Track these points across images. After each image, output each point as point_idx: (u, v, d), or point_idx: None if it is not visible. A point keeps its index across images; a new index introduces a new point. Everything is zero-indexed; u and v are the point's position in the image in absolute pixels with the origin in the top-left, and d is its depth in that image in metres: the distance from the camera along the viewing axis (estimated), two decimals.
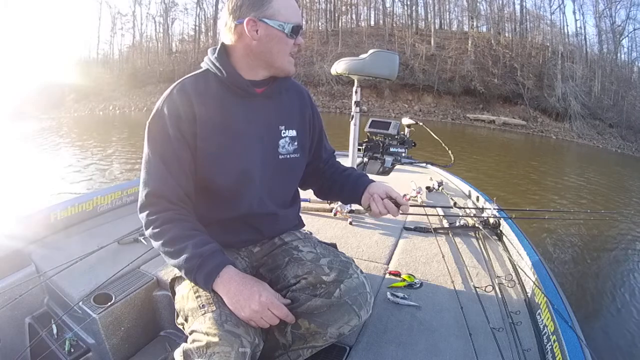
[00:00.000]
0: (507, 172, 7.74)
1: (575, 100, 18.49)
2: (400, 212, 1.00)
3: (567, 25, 23.34)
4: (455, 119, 19.69)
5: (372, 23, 25.75)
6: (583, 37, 22.03)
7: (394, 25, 24.77)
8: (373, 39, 23.28)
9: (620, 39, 21.05)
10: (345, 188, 1.08)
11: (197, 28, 25.50)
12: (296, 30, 0.90)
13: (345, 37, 23.61)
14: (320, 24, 25.79)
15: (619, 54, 21.42)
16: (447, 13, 24.74)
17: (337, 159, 1.20)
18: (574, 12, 22.53)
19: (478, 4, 23.21)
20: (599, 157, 13.43)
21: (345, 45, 21.57)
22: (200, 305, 0.81)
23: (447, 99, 20.66)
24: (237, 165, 0.92)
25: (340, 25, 25.20)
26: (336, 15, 25.79)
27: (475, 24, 22.94)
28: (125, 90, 20.22)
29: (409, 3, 24.54)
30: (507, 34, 22.81)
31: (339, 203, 1.93)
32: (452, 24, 24.56)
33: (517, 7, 22.76)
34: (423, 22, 24.71)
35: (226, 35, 0.91)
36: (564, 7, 22.22)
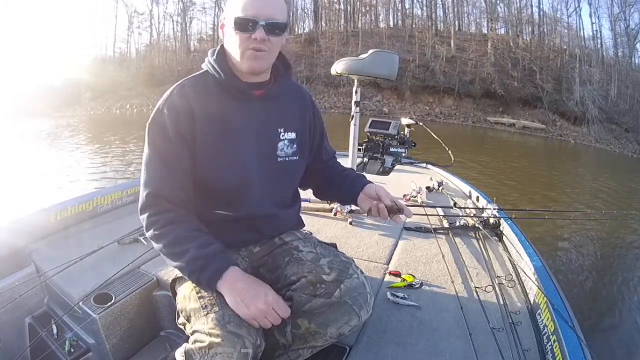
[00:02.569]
0: (530, 179, 7.72)
1: (592, 104, 18.40)
2: (404, 218, 0.98)
3: (583, 29, 23.35)
4: (475, 121, 19.63)
5: (391, 24, 25.78)
6: (599, 41, 22.03)
7: (414, 26, 24.76)
8: (394, 39, 23.30)
9: (635, 42, 20.99)
10: (342, 188, 1.08)
11: (215, 27, 25.57)
12: (240, 23, 0.84)
13: (366, 38, 23.58)
14: (340, 24, 25.78)
15: (633, 58, 21.36)
16: (466, 15, 24.82)
17: (338, 160, 1.20)
18: (590, 15, 22.53)
19: (496, 6, 23.25)
20: (616, 162, 13.32)
21: (365, 46, 21.46)
22: (203, 306, 0.81)
23: (468, 102, 20.62)
24: (235, 167, 0.92)
25: (360, 26, 25.20)
26: (355, 16, 25.83)
27: (493, 25, 22.96)
28: (143, 88, 20.20)
29: (428, 4, 24.60)
30: (525, 37, 22.79)
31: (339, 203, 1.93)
32: (471, 26, 24.63)
33: (535, 9, 22.82)
34: (442, 24, 24.71)
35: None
36: (580, 10, 22.22)
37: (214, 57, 0.92)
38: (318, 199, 1.98)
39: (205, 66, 0.94)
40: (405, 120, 3.50)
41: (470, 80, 20.83)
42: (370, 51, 1.89)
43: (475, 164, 8.12)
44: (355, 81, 2.01)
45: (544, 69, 20.83)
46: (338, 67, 1.93)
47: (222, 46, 0.94)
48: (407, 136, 3.41)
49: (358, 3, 25.83)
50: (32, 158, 7.42)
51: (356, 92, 2.03)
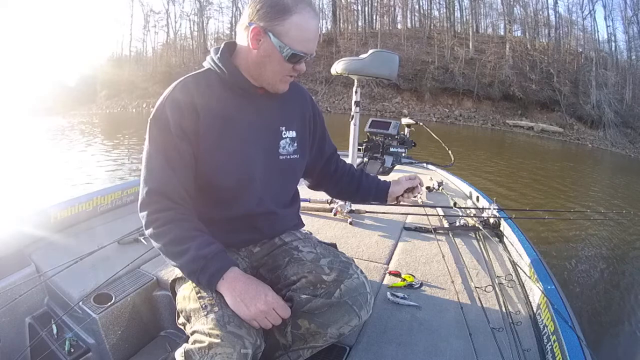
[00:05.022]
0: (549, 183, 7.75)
1: (608, 108, 18.37)
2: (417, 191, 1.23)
3: (598, 31, 23.40)
4: (494, 124, 19.66)
5: (409, 25, 25.76)
6: (614, 44, 22.03)
7: (432, 27, 24.77)
8: (412, 41, 23.34)
9: None
10: (369, 195, 1.20)
11: (232, 27, 25.51)
12: (295, 58, 0.86)
13: (385, 38, 23.63)
14: (358, 25, 25.80)
15: None
16: (483, 17, 24.88)
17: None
18: (605, 18, 22.51)
19: (513, 9, 23.25)
20: (632, 167, 13.23)
21: (384, 47, 21.39)
22: (203, 306, 0.81)
23: (487, 104, 20.64)
24: (237, 165, 0.92)
25: (380, 27, 25.24)
26: (373, 17, 25.89)
27: (511, 27, 22.97)
28: (160, 87, 20.19)
29: (447, 6, 24.58)
30: (542, 39, 22.83)
31: (339, 203, 1.93)
32: (488, 28, 24.71)
33: (551, 11, 22.88)
34: (459, 25, 24.74)
35: (239, 32, 0.90)
36: (594, 12, 22.26)
37: (218, 55, 0.92)
38: (318, 199, 1.98)
39: (207, 64, 0.94)
40: (405, 120, 3.49)
41: (489, 82, 20.85)
42: (370, 51, 1.89)
43: (496, 166, 8.26)
44: (355, 81, 2.01)
45: (561, 72, 20.84)
46: (338, 67, 1.93)
47: (226, 45, 0.94)
48: (407, 136, 3.40)
49: (377, 4, 25.86)
50: (49, 155, 7.50)
51: (356, 92, 2.03)
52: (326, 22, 26.57)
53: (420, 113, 19.84)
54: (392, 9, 26.17)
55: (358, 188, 1.19)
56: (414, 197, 1.23)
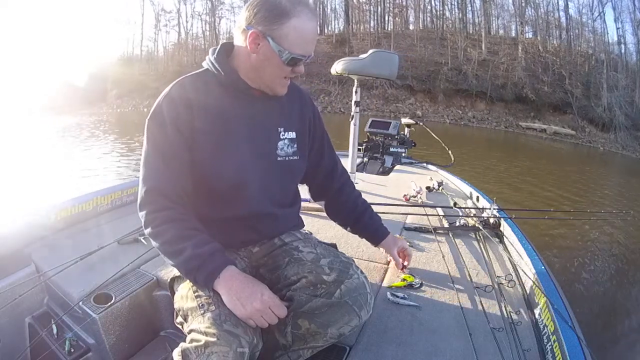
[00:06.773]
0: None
1: (619, 111, 18.42)
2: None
3: (608, 34, 23.50)
4: (508, 126, 19.69)
5: (421, 26, 25.75)
6: (624, 46, 22.08)
7: (445, 28, 24.80)
8: (425, 41, 23.35)
9: None
10: (363, 233, 1.30)
11: None
12: (295, 61, 0.87)
13: (398, 39, 23.64)
14: (371, 25, 25.82)
15: None
16: (495, 18, 24.89)
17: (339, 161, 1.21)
18: (615, 20, 22.56)
19: (525, 10, 23.30)
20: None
21: (397, 48, 21.45)
22: (200, 305, 0.81)
23: (500, 106, 20.66)
24: (233, 165, 0.92)
25: (393, 27, 25.25)
26: (386, 17, 25.94)
27: (523, 29, 23.01)
28: None
29: (460, 7, 24.62)
30: (553, 41, 22.90)
31: None
32: (500, 30, 24.78)
33: (562, 13, 22.98)
34: (471, 26, 24.77)
35: (237, 35, 0.90)
36: (604, 14, 22.33)
37: (215, 55, 0.92)
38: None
39: (205, 64, 0.94)
40: (405, 120, 3.51)
41: (502, 84, 20.83)
42: (370, 51, 1.89)
43: (511, 169, 8.44)
44: (356, 81, 2.02)
45: (573, 74, 20.86)
46: (338, 67, 1.93)
47: (223, 45, 0.94)
48: (407, 136, 3.41)
49: (389, 4, 25.88)
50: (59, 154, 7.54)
51: (356, 92, 2.04)
52: (338, 22, 26.65)
53: (434, 115, 19.88)
54: (405, 9, 26.19)
55: (354, 225, 1.26)
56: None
